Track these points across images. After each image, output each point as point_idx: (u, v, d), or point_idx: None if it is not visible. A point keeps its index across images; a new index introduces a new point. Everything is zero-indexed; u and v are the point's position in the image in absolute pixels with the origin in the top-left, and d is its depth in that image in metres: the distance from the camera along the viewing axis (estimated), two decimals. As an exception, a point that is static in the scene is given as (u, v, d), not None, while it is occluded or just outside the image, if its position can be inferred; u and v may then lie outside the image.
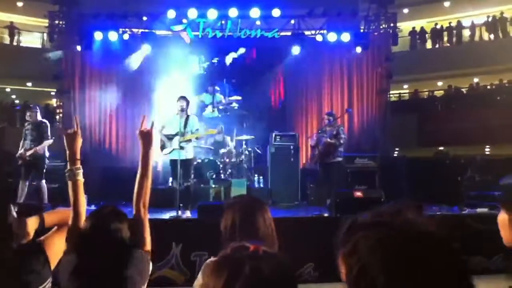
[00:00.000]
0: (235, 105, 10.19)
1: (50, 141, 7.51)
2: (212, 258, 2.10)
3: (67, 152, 2.30)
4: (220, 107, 10.57)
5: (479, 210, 7.11)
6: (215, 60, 10.94)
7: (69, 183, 2.29)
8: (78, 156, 2.31)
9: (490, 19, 17.65)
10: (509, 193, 1.31)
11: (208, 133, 8.31)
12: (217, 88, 10.28)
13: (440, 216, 6.88)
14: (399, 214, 0.88)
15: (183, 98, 7.10)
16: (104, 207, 2.16)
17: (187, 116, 6.99)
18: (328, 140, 7.76)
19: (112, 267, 1.91)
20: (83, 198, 2.29)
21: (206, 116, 10.03)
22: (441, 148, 12.25)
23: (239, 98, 10.33)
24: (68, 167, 2.29)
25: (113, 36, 10.32)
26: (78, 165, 2.29)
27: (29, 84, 18.53)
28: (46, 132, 7.50)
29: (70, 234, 2.11)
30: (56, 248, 2.10)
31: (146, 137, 2.31)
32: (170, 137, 6.98)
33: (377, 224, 0.86)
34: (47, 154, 7.57)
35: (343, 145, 8.12)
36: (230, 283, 0.88)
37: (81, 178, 2.29)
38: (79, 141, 2.34)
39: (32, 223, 2.07)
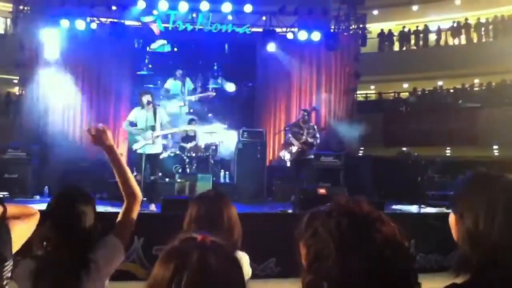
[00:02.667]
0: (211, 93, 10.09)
1: None
2: None
3: None
4: (193, 99, 10.10)
5: (437, 209, 7.35)
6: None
7: None
8: None
9: (455, 25, 18.19)
10: (453, 195, 1.39)
11: (185, 129, 8.25)
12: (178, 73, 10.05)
13: (399, 214, 7.08)
14: (354, 204, 0.96)
15: (146, 92, 7.08)
16: (69, 187, 2.13)
17: (154, 109, 6.91)
18: (309, 139, 7.90)
19: (73, 250, 1.91)
20: None
21: (174, 113, 9.57)
22: (404, 148, 12.57)
23: (213, 94, 10.18)
24: None
25: (80, 24, 10.07)
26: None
27: (-10, 71, 17.86)
28: None
29: None
30: (19, 231, 2.06)
31: (102, 137, 2.10)
32: (140, 132, 6.86)
33: (335, 212, 0.94)
34: None
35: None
36: (178, 273, 0.89)
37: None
38: None
39: None
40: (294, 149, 8.03)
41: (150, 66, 10.93)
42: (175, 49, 11.19)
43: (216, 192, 2.28)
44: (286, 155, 8.15)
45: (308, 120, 8.26)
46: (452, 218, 1.36)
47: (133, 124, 6.99)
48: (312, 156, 8.30)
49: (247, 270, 2.05)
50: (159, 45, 11.19)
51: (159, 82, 10.74)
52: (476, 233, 1.24)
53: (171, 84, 10.16)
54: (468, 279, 1.22)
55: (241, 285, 0.98)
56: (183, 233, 0.99)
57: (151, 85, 10.58)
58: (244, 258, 2.08)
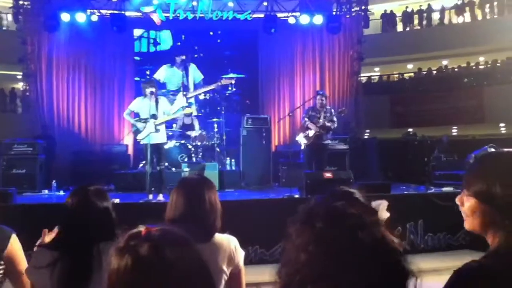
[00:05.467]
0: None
1: None
2: None
3: None
4: (200, 94, 9.25)
5: (444, 189, 7.31)
6: None
7: None
8: None
9: (459, 2, 17.92)
10: (464, 176, 1.34)
11: (186, 112, 8.22)
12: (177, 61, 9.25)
13: (407, 195, 7.08)
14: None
15: (150, 82, 7.08)
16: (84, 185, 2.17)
17: (156, 99, 6.92)
18: (326, 123, 7.71)
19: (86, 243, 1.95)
20: None
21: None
22: (410, 129, 12.52)
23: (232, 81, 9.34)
24: None
25: (80, 17, 10.04)
26: None
27: (-6, 67, 17.89)
28: None
29: None
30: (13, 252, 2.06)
31: None
32: (143, 121, 6.87)
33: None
34: None
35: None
36: (133, 268, 0.92)
37: None
38: None
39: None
40: (311, 133, 7.70)
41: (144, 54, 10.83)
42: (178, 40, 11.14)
43: (195, 177, 2.33)
44: (302, 140, 7.81)
45: (326, 103, 8.01)
46: (461, 200, 1.31)
47: (136, 114, 6.99)
48: (329, 141, 7.96)
49: (237, 251, 2.08)
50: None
51: (147, 72, 10.62)
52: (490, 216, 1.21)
53: (165, 73, 9.31)
54: (485, 257, 1.20)
55: (201, 268, 0.99)
56: (130, 229, 1.00)
57: (137, 78, 10.48)
58: (231, 240, 2.09)
